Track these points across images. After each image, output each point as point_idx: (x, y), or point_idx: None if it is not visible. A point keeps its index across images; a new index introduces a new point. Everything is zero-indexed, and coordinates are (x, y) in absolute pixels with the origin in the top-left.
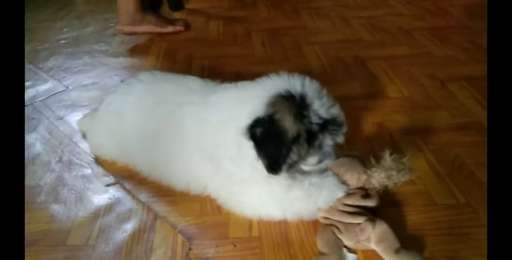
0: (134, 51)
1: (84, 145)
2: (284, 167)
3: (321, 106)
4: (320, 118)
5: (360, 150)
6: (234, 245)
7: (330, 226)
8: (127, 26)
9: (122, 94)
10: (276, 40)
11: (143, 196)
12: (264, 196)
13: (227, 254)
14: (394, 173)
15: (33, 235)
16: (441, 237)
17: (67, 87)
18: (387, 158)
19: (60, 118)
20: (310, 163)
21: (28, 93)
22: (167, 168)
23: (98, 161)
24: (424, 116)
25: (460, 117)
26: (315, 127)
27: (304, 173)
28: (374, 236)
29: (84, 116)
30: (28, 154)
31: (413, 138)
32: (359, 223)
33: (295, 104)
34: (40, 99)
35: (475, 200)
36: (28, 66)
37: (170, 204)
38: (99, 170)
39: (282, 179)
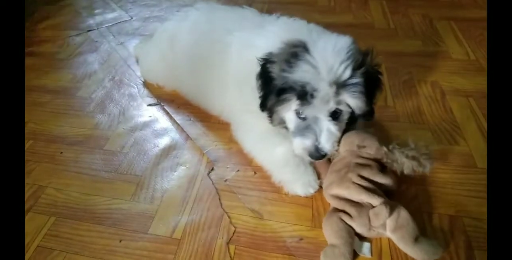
0: None
1: (135, 68)
2: (268, 110)
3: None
4: (286, 81)
5: (406, 104)
6: (255, 172)
7: (338, 213)
8: None
9: (178, 21)
10: None
11: (179, 118)
12: (257, 141)
13: (246, 179)
14: (417, 155)
15: (77, 137)
16: (472, 198)
17: (131, 18)
18: (412, 143)
19: (120, 43)
20: (289, 127)
21: (96, 20)
22: (208, 92)
23: (145, 84)
24: (486, 81)
25: None
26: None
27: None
28: (390, 223)
29: (140, 42)
30: (86, 70)
31: (468, 100)
32: (373, 206)
33: (288, 54)
34: (105, 25)
35: None
36: None
37: (203, 128)
38: (145, 91)
39: (280, 136)
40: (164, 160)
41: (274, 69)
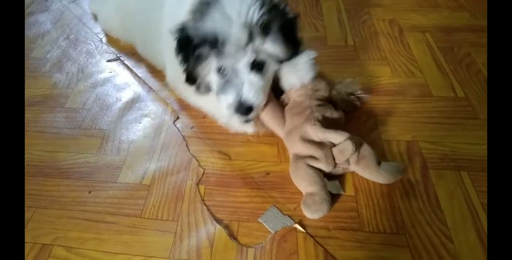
0: None
1: (91, 26)
2: (191, 77)
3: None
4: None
5: (366, 42)
6: None
7: (302, 159)
8: None
9: None
10: None
11: (140, 71)
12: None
13: (212, 125)
14: (353, 91)
15: (35, 97)
16: (428, 124)
17: None
18: (347, 82)
19: (72, 1)
20: (214, 88)
21: None
22: (150, 47)
23: (102, 40)
24: (442, 16)
25: (482, 19)
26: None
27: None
28: (353, 156)
29: None
30: (38, 31)
31: (424, 35)
32: (334, 145)
33: (201, 4)
34: None
35: (475, 96)
36: None
37: (164, 80)
38: (103, 47)
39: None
40: (128, 112)
41: (189, 24)
